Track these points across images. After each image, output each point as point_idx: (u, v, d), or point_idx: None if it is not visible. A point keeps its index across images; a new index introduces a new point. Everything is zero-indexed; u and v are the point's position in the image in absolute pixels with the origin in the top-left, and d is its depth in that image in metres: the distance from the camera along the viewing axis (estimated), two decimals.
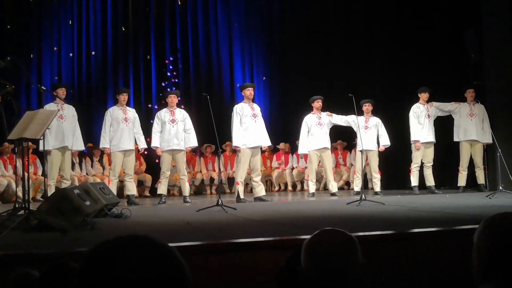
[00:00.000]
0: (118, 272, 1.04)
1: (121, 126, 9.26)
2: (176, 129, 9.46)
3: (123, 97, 9.47)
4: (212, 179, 13.17)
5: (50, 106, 8.79)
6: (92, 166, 12.19)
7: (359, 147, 9.96)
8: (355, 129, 10.23)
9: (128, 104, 9.83)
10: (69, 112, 9.18)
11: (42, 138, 5.76)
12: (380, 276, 3.55)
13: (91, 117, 12.56)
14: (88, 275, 1.06)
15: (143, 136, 9.60)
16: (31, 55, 12.93)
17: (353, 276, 1.94)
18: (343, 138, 12.91)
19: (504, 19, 10.17)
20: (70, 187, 6.56)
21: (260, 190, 9.37)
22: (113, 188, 8.83)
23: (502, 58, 10.19)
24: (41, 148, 8.48)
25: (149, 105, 13.66)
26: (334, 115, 10.51)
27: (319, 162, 10.62)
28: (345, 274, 1.92)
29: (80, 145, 9.44)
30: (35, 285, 2.16)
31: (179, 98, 9.87)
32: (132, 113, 9.51)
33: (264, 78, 14.70)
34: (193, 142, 9.67)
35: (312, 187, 10.43)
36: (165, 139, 9.47)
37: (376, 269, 3.51)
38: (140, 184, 12.28)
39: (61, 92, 8.98)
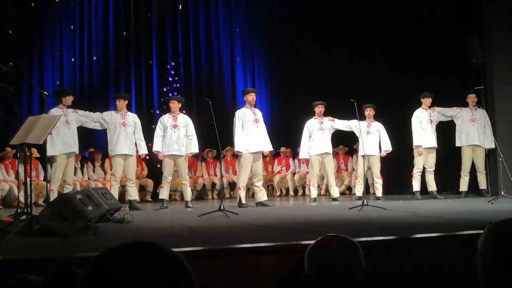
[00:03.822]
0: (125, 279, 1.04)
1: (118, 130, 9.25)
2: (177, 134, 9.46)
3: (122, 103, 9.45)
4: (213, 184, 13.17)
5: (55, 111, 8.79)
6: (93, 171, 12.20)
7: (361, 152, 9.95)
8: (357, 134, 10.22)
9: (129, 109, 9.84)
10: (73, 117, 9.16)
11: (44, 143, 5.75)
12: (382, 281, 3.55)
13: None
14: (95, 282, 1.07)
15: (143, 142, 9.59)
16: (33, 60, 12.94)
17: (356, 281, 1.94)
18: (345, 143, 12.90)
19: (506, 23, 10.19)
20: (72, 192, 6.56)
21: (262, 195, 9.37)
22: (115, 193, 8.83)
23: (504, 63, 10.20)
24: (51, 153, 8.51)
25: (151, 110, 13.67)
26: (336, 120, 10.51)
27: (321, 167, 10.61)
28: (348, 279, 1.92)
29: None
30: None
31: (180, 104, 9.82)
32: (132, 117, 9.49)
33: (265, 83, 14.71)
34: (194, 148, 9.65)
35: (313, 192, 10.41)
36: (166, 144, 9.49)
37: (379, 274, 3.51)
38: (141, 189, 12.27)
39: (70, 99, 9.03)
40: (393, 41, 12.44)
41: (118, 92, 11.04)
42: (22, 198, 7.38)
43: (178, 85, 13.99)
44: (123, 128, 9.29)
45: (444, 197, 10.14)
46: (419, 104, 10.46)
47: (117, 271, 1.06)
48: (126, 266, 1.06)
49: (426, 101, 10.38)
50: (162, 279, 1.06)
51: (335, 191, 10.37)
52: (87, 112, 9.44)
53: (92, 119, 9.35)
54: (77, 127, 9.20)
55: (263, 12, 14.80)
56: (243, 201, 9.15)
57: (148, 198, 12.38)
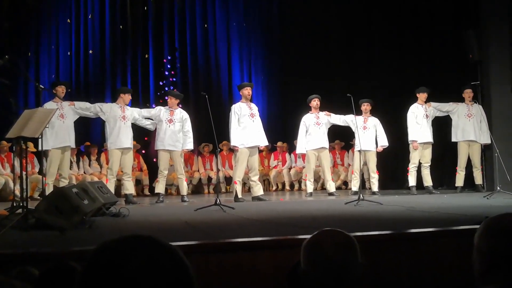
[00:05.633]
0: (123, 272, 1.04)
1: (118, 124, 9.18)
2: (172, 129, 9.42)
3: (129, 98, 9.44)
4: (209, 179, 13.16)
5: (49, 105, 8.72)
6: (89, 165, 12.17)
7: (357, 147, 9.96)
8: (353, 129, 10.22)
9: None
10: (69, 110, 9.10)
11: (40, 137, 5.73)
12: (378, 276, 3.56)
13: None
14: (94, 276, 1.06)
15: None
16: (29, 54, 12.90)
17: (353, 276, 1.94)
18: (341, 138, 12.92)
19: (503, 20, 10.21)
20: (68, 185, 6.54)
21: (258, 189, 9.37)
22: (111, 187, 8.79)
23: (500, 59, 10.22)
24: (44, 148, 8.45)
25: (147, 104, 13.64)
26: (332, 114, 10.51)
27: (317, 161, 10.63)
28: (344, 274, 1.92)
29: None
30: (34, 283, 2.16)
31: (178, 100, 9.77)
32: (130, 111, 9.44)
33: (262, 77, 14.71)
34: (189, 145, 9.61)
35: (310, 186, 10.43)
36: (160, 138, 9.45)
37: (375, 269, 3.52)
38: (137, 183, 12.28)
39: (60, 90, 8.90)
40: (390, 37, 12.43)
41: (124, 87, 10.89)
42: (17, 192, 7.36)
43: (174, 79, 13.97)
44: (123, 122, 9.23)
45: (440, 192, 10.15)
46: (415, 100, 10.47)
47: (115, 264, 1.06)
48: (124, 260, 1.06)
49: (422, 96, 10.39)
50: (160, 273, 1.06)
51: (331, 186, 10.38)
52: (85, 103, 9.38)
53: (90, 111, 9.29)
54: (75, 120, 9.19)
55: (260, 6, 14.77)
56: (239, 196, 9.15)
57: (146, 192, 12.38)
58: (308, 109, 10.56)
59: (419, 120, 10.27)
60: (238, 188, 9.25)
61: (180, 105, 9.92)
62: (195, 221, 5.60)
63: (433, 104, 10.43)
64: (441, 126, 10.69)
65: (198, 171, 13.17)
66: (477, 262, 1.71)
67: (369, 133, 10.43)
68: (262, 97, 14.51)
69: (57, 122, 8.76)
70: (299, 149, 10.66)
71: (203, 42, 14.32)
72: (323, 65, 13.49)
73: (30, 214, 4.98)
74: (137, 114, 9.52)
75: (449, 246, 3.86)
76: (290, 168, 13.47)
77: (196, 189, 13.18)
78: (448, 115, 10.50)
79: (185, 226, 5.24)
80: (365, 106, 10.49)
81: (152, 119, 9.70)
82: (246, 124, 9.32)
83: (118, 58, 13.62)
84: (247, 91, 9.49)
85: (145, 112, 9.71)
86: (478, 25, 10.60)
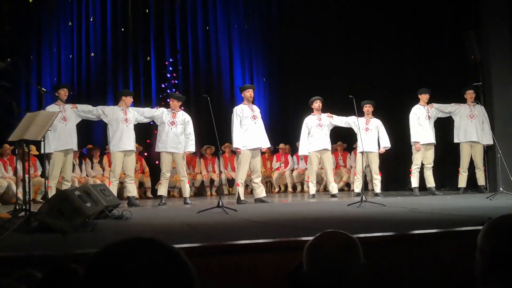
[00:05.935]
0: (125, 274, 1.04)
1: (121, 126, 9.20)
2: (174, 131, 9.43)
3: (130, 100, 9.45)
4: (212, 181, 13.17)
5: (52, 108, 8.73)
6: (92, 168, 12.17)
7: (359, 149, 9.94)
8: (355, 130, 10.22)
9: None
10: (72, 113, 9.11)
11: (43, 139, 5.74)
12: (381, 277, 3.55)
13: None
14: (96, 277, 1.06)
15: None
16: (31, 57, 12.92)
17: (355, 278, 1.94)
18: (343, 139, 12.90)
19: (504, 21, 10.21)
20: (70, 188, 6.54)
21: (260, 191, 9.36)
22: (114, 189, 8.81)
23: (502, 60, 10.21)
24: (47, 150, 8.45)
25: (149, 107, 13.64)
26: (334, 116, 10.50)
27: (320, 163, 10.61)
28: (347, 275, 1.92)
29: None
30: (36, 286, 2.16)
31: (180, 102, 9.77)
32: (131, 113, 9.45)
33: (264, 79, 14.71)
34: (191, 147, 9.62)
35: (312, 188, 10.42)
36: (162, 141, 9.46)
37: (377, 271, 3.51)
38: (140, 185, 12.28)
39: (63, 92, 8.91)
40: (391, 38, 12.43)
41: (125, 90, 10.87)
42: (20, 195, 7.37)
43: (176, 82, 13.97)
44: (126, 124, 9.24)
45: (442, 193, 10.14)
46: (417, 101, 10.46)
47: (117, 266, 1.06)
48: (126, 262, 1.06)
49: (424, 97, 10.38)
50: (162, 275, 1.06)
51: (333, 188, 10.37)
52: (87, 105, 9.38)
53: (92, 114, 9.29)
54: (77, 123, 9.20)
55: (261, 8, 14.79)
56: (242, 198, 9.15)
57: (149, 194, 12.38)
58: (310, 110, 10.56)
59: (421, 121, 10.25)
60: (240, 190, 9.25)
61: (182, 107, 9.92)
62: (197, 223, 5.61)
63: (435, 105, 10.43)
64: (443, 127, 10.69)
65: (201, 173, 13.17)
66: (479, 263, 1.71)
67: (371, 134, 10.41)
68: (264, 98, 14.52)
69: (59, 125, 8.78)
70: (301, 151, 10.65)
71: (205, 44, 14.33)
72: (324, 67, 13.50)
73: (32, 217, 4.99)
74: (138, 115, 9.52)
75: (452, 248, 3.85)
76: (292, 170, 13.46)
77: (199, 191, 13.18)
78: (450, 116, 10.49)
79: (187, 228, 5.24)
80: (367, 108, 10.47)
81: (153, 120, 9.74)
82: (248, 126, 9.31)
83: (119, 60, 13.63)
84: (249, 93, 9.49)
85: (147, 113, 9.69)
86: (478, 26, 10.60)
